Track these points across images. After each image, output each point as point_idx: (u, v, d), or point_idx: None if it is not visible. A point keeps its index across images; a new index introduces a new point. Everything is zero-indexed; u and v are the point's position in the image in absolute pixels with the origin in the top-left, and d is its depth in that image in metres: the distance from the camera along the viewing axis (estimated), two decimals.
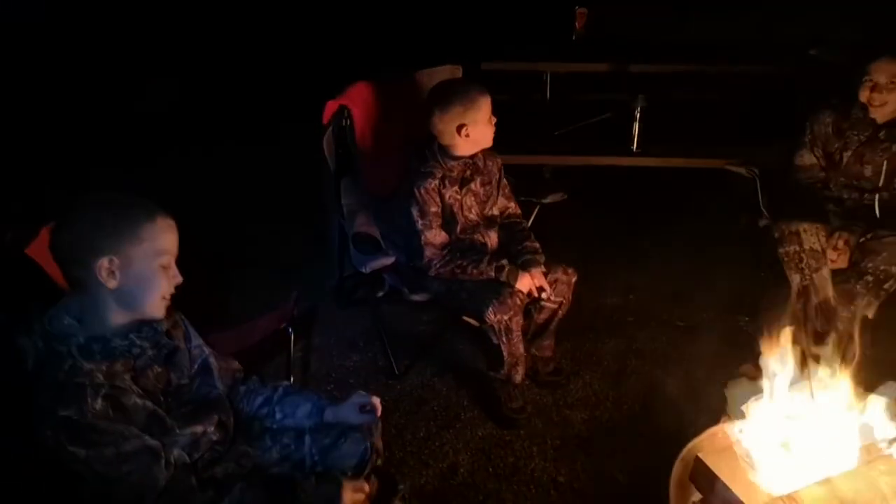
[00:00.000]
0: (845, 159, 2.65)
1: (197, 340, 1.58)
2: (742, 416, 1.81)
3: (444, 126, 2.33)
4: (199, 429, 1.46)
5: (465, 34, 4.46)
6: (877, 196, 2.61)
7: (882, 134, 2.59)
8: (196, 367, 1.55)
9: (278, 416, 1.64)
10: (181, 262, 1.43)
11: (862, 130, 2.62)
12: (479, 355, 2.72)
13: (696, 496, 1.76)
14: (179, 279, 1.43)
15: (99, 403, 1.30)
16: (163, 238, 1.38)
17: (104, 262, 1.32)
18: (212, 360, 1.59)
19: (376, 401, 1.64)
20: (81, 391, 1.29)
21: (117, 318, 1.38)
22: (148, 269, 1.37)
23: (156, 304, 1.41)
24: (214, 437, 1.50)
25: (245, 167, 4.46)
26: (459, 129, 2.32)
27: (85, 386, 1.30)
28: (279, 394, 1.66)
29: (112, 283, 1.33)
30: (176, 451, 1.39)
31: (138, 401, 1.37)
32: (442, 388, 2.63)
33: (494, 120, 2.38)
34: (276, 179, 4.25)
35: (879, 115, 2.59)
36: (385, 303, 2.63)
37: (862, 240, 2.55)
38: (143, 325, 1.41)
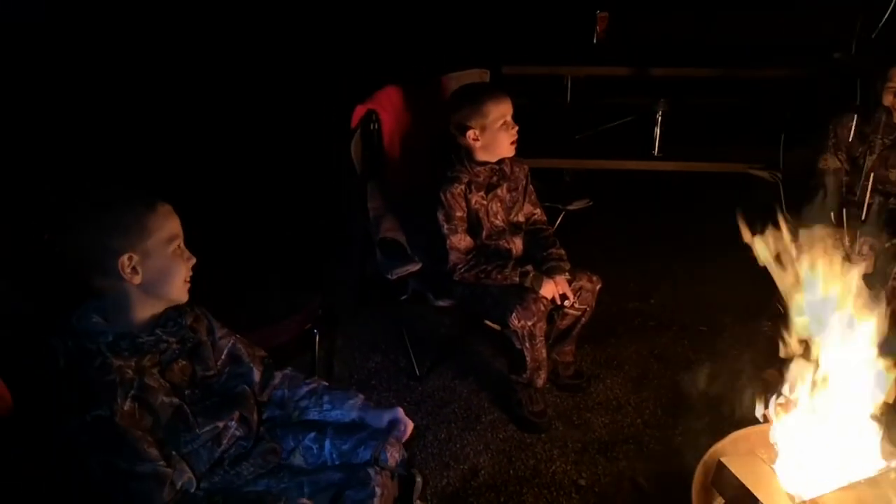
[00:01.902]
0: (869, 163, 2.64)
1: (221, 331, 1.61)
2: (765, 420, 1.81)
3: (454, 128, 2.38)
4: (220, 423, 1.49)
5: (487, 38, 4.47)
6: None
7: None
8: (224, 356, 1.59)
9: (326, 406, 1.67)
10: (205, 258, 1.47)
11: (886, 134, 2.61)
12: (500, 358, 2.73)
13: (719, 501, 1.76)
14: (193, 259, 1.47)
15: (128, 404, 1.34)
16: (169, 224, 1.42)
17: (125, 261, 1.35)
18: (239, 346, 1.62)
19: (409, 425, 1.66)
20: (112, 390, 1.33)
21: (144, 311, 1.42)
22: (165, 256, 1.40)
23: (179, 288, 1.45)
24: (238, 433, 1.52)
25: (266, 168, 4.50)
26: (466, 131, 2.35)
27: (115, 384, 1.33)
28: (323, 386, 1.70)
29: (137, 279, 1.37)
30: (186, 476, 1.40)
31: (165, 398, 1.40)
32: (463, 390, 2.65)
33: (515, 127, 2.38)
34: (300, 181, 4.30)
35: None
36: (408, 304, 2.65)
37: (887, 244, 2.53)
38: (168, 320, 1.45)
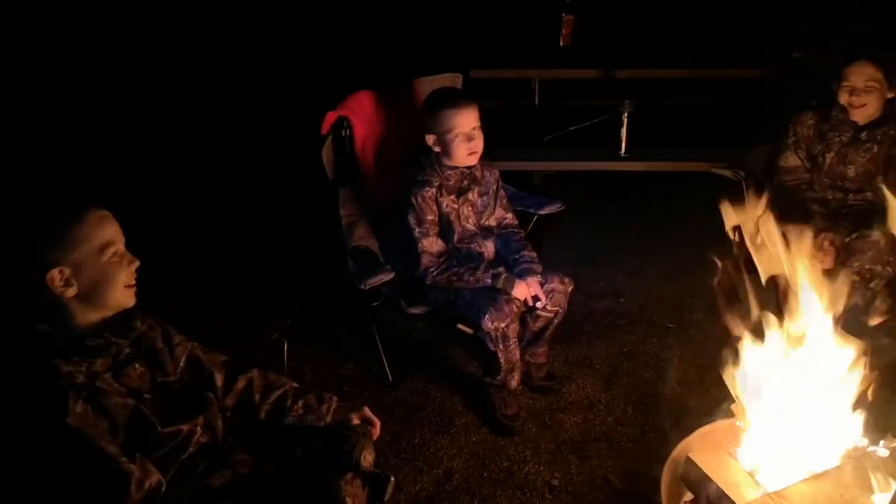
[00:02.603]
0: (828, 161, 2.70)
1: (177, 338, 1.59)
2: (732, 415, 1.85)
3: (424, 133, 2.39)
4: (183, 427, 1.47)
5: (457, 42, 4.49)
6: (860, 196, 2.66)
7: (863, 135, 2.65)
8: (182, 363, 1.57)
9: (300, 411, 1.65)
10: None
11: (843, 132, 2.67)
12: (473, 362, 2.73)
13: (689, 496, 1.78)
14: (136, 262, 1.45)
15: (80, 406, 1.31)
16: (99, 233, 1.39)
17: (54, 275, 1.34)
18: (197, 352, 1.60)
19: (377, 423, 1.67)
20: (63, 394, 1.31)
21: (88, 317, 1.40)
22: (98, 266, 1.39)
23: (121, 295, 1.43)
24: (203, 439, 1.51)
25: (236, 177, 4.46)
26: (426, 136, 2.37)
27: (66, 388, 1.31)
28: (295, 389, 1.68)
29: (71, 292, 1.36)
30: (155, 478, 1.38)
31: (119, 400, 1.38)
32: (436, 394, 2.64)
33: (474, 139, 2.36)
34: (273, 185, 4.27)
35: (860, 116, 2.65)
36: (380, 311, 2.64)
37: (847, 240, 2.59)
38: (118, 323, 1.43)
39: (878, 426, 1.68)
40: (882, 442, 1.66)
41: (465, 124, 2.35)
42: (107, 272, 1.40)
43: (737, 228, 1.83)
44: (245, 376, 1.66)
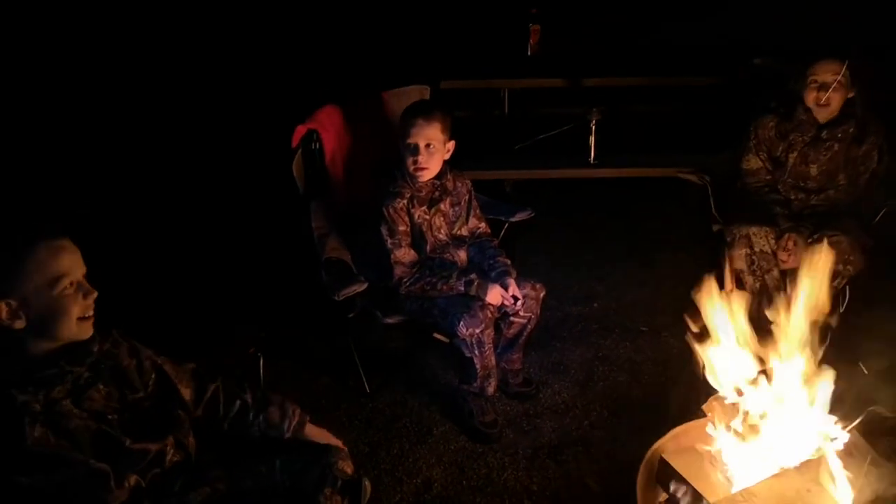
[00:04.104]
0: (791, 161, 2.77)
1: (146, 352, 1.57)
2: (703, 415, 1.89)
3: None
4: (152, 446, 1.45)
5: (425, 54, 4.52)
6: (822, 195, 2.73)
7: (824, 133, 2.71)
8: (153, 377, 1.55)
9: (262, 424, 1.66)
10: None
11: (805, 132, 2.74)
12: (450, 371, 2.75)
13: (664, 496, 1.82)
14: (94, 294, 1.40)
15: (38, 430, 1.29)
16: (52, 265, 1.34)
17: (1, 307, 1.30)
18: (166, 367, 1.59)
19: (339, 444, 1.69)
20: (19, 421, 1.28)
21: (41, 347, 1.37)
22: (49, 298, 1.34)
23: (74, 328, 1.38)
24: (176, 458, 1.50)
25: (210, 186, 4.43)
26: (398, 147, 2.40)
27: (22, 415, 1.29)
28: (257, 401, 1.68)
29: (19, 324, 1.33)
30: (133, 478, 1.38)
31: (79, 423, 1.36)
32: (414, 404, 2.65)
33: (421, 155, 2.36)
34: (244, 201, 4.25)
35: (824, 115, 2.70)
36: (355, 323, 2.65)
37: (810, 240, 2.66)
38: (73, 351, 1.39)
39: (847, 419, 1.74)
40: (847, 437, 1.71)
41: (417, 135, 2.37)
42: (59, 306, 1.35)
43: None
44: (213, 384, 1.66)
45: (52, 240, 1.36)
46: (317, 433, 1.73)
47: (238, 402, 1.67)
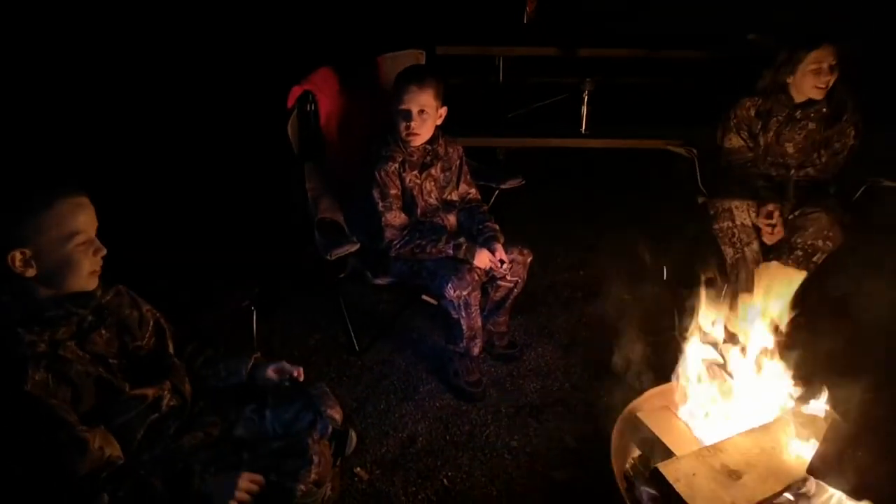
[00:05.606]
0: (768, 139, 2.81)
1: (145, 305, 1.63)
2: (678, 377, 1.97)
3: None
4: (150, 391, 1.51)
5: (421, 18, 4.50)
6: (803, 171, 2.78)
7: (798, 113, 2.74)
8: (150, 329, 1.61)
9: (223, 373, 1.70)
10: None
11: (779, 112, 2.77)
12: (437, 332, 2.82)
13: (636, 452, 1.91)
14: (103, 251, 1.45)
15: (39, 375, 1.34)
16: (69, 221, 1.38)
17: (16, 255, 1.35)
18: (162, 322, 1.65)
19: (289, 369, 1.70)
20: (22, 363, 1.33)
21: (49, 293, 1.42)
22: (62, 253, 1.38)
23: (83, 280, 1.44)
24: (173, 403, 1.56)
25: (207, 151, 4.44)
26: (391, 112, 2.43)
27: (26, 358, 1.34)
28: (213, 352, 1.73)
29: (30, 272, 1.37)
30: (115, 452, 1.40)
31: (81, 368, 1.41)
32: (401, 363, 2.73)
33: (413, 121, 2.40)
34: (240, 161, 4.27)
35: (819, 97, 2.70)
36: (346, 283, 2.71)
37: (791, 216, 2.73)
38: (78, 296, 1.44)
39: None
40: (812, 401, 1.80)
41: (410, 101, 2.40)
42: (71, 259, 1.40)
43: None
44: (191, 345, 1.72)
45: (73, 196, 1.41)
46: (273, 369, 1.73)
47: (199, 357, 1.73)
